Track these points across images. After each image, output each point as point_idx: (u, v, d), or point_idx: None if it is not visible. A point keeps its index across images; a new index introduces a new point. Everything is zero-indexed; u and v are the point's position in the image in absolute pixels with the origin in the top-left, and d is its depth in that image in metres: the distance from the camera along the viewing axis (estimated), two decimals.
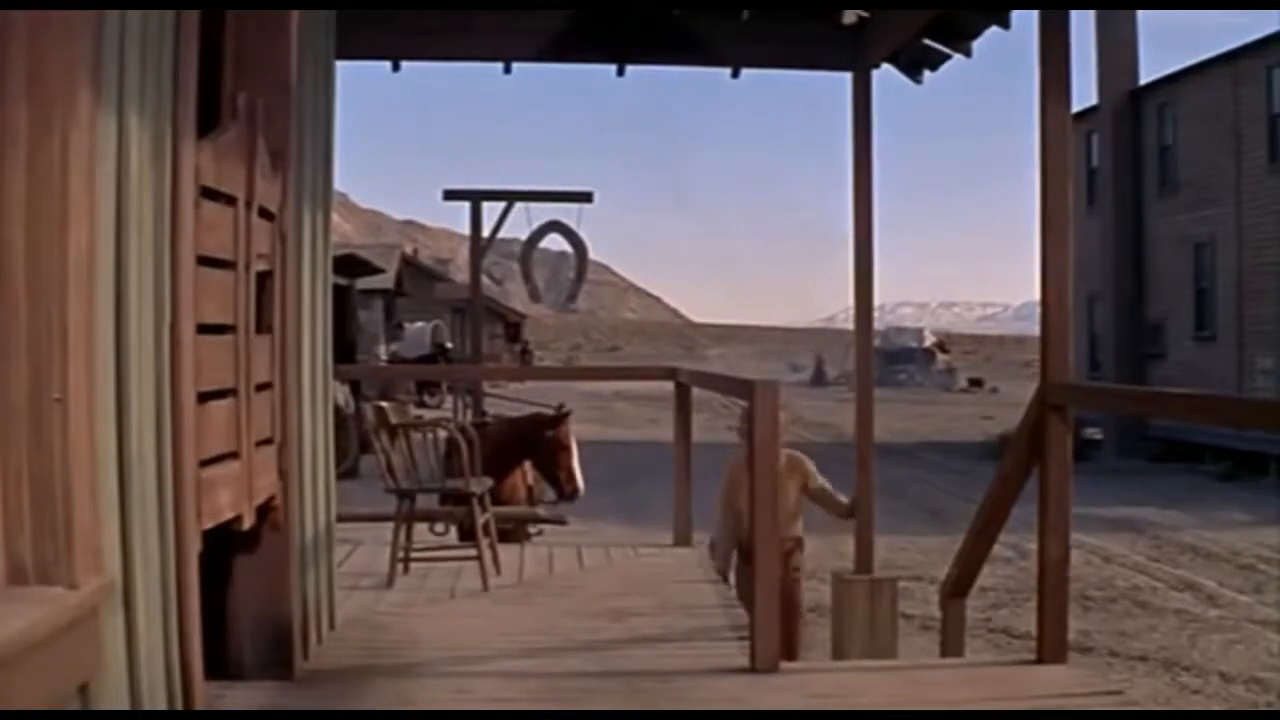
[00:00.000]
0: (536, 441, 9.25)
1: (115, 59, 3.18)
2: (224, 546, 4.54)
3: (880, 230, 7.79)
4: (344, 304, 20.10)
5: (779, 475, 6.39)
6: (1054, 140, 5.22)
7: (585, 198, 15.34)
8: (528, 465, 9.82)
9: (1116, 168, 27.00)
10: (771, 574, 5.30)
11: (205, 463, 3.98)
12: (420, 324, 40.50)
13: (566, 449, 9.18)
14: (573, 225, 15.91)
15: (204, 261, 3.95)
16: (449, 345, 38.89)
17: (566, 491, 9.21)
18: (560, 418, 9.25)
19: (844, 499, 7.66)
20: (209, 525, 3.99)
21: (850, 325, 8.40)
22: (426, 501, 7.80)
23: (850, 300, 7.99)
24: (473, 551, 7.15)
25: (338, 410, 9.62)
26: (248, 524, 4.45)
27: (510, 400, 22.44)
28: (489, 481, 7.59)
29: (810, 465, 7.55)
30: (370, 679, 5.08)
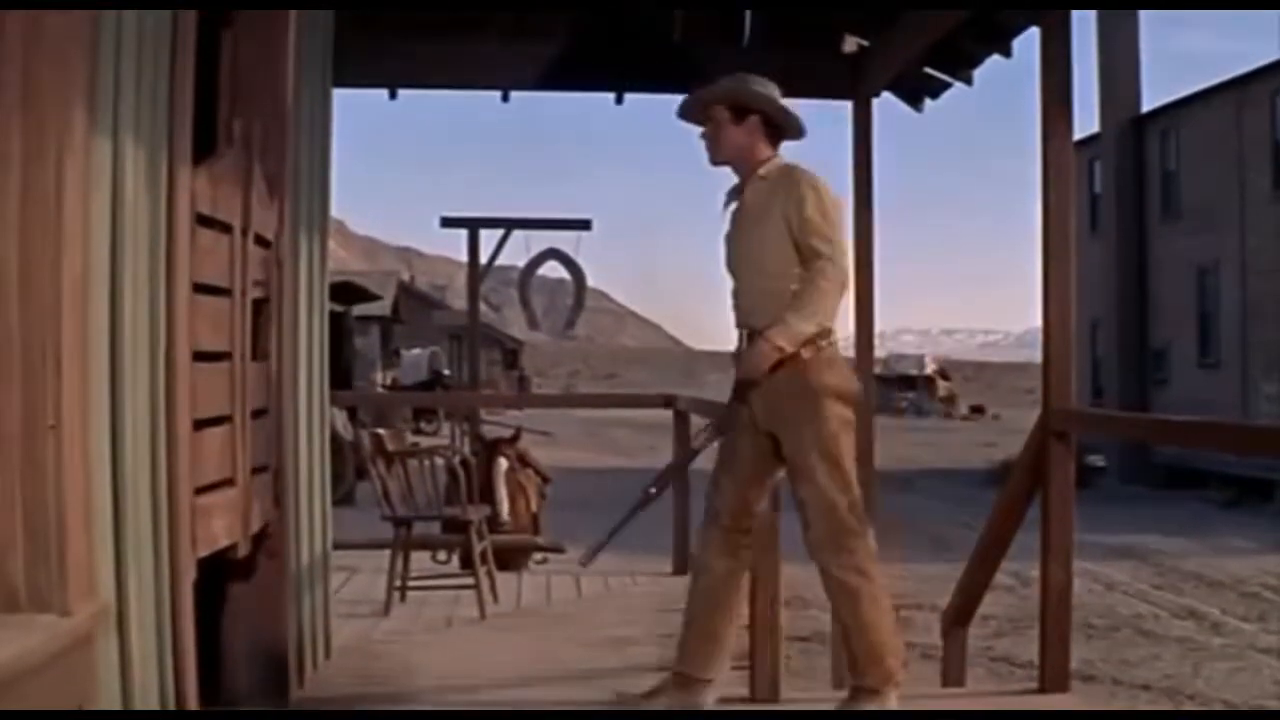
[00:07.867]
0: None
1: (110, 82, 3.17)
2: (219, 573, 4.50)
3: (881, 257, 7.77)
4: (339, 330, 20.09)
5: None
6: (1056, 165, 5.21)
7: (584, 225, 15.30)
8: (531, 491, 9.79)
9: (1119, 193, 27.00)
10: (772, 584, 5.20)
11: (200, 490, 3.94)
12: (417, 351, 40.48)
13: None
14: (571, 253, 15.89)
15: (200, 288, 3.93)
16: (446, 372, 38.83)
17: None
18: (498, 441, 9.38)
19: None
20: (204, 553, 3.96)
21: (851, 352, 8.37)
22: (425, 529, 7.76)
23: (851, 327, 7.97)
24: (470, 580, 7.11)
25: (334, 436, 9.60)
26: (243, 552, 4.42)
27: (508, 428, 22.44)
28: (486, 509, 7.55)
29: (818, 185, 4.43)
30: (365, 706, 5.04)
